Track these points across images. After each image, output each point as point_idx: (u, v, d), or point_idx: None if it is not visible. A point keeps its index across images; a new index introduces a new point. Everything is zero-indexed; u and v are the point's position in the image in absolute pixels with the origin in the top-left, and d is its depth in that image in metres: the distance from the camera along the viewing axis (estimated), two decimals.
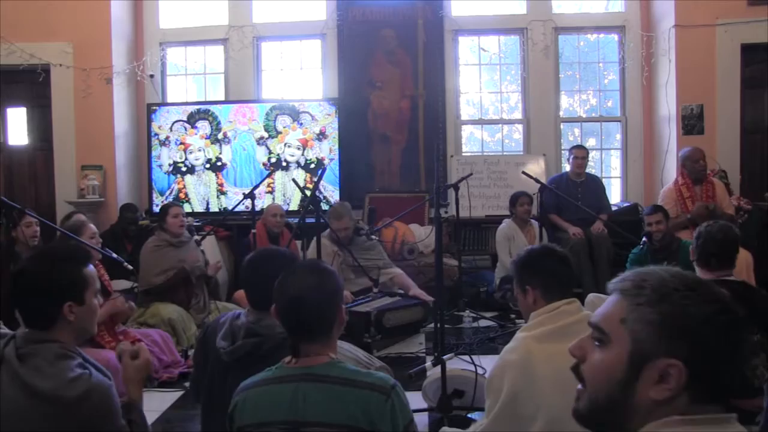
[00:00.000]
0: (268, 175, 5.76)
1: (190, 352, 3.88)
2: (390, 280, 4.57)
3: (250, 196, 4.34)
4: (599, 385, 0.88)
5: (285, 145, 6.01)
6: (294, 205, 5.91)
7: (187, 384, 3.51)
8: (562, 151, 6.31)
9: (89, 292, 1.61)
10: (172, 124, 6.06)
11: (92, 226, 3.49)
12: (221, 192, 6.04)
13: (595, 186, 5.50)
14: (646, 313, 0.84)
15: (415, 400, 2.89)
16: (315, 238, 3.69)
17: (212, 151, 6.05)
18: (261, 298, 1.84)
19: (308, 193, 4.24)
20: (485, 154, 6.54)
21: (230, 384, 1.85)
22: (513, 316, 4.75)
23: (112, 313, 3.43)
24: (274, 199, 5.92)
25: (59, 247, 1.70)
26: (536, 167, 5.94)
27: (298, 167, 6.02)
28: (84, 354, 1.59)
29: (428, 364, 2.68)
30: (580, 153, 5.42)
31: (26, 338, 1.55)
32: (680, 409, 0.83)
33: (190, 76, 6.77)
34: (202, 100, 6.58)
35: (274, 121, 6.02)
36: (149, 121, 6.08)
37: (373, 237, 4.52)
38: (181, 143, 6.05)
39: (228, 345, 1.89)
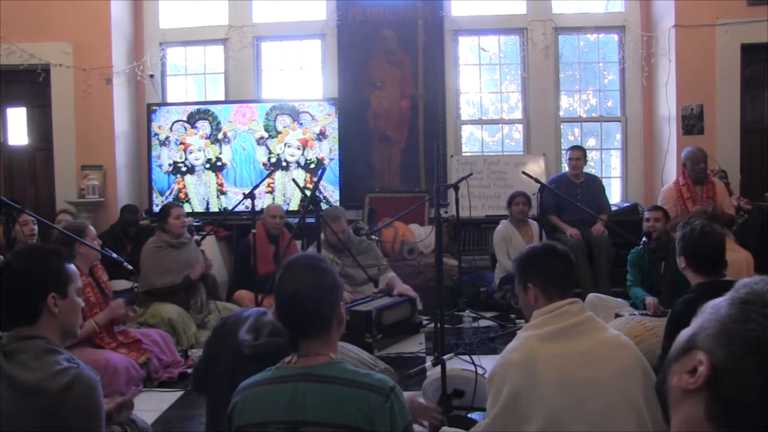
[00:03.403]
0: (268, 175, 5.75)
1: (190, 352, 3.88)
2: (386, 285, 4.57)
3: (250, 196, 4.34)
4: (668, 354, 0.89)
5: (285, 145, 6.01)
6: (294, 205, 5.91)
7: (188, 386, 3.52)
8: (562, 151, 6.30)
9: (72, 287, 1.64)
10: (172, 124, 6.06)
11: (92, 228, 3.49)
12: (221, 192, 6.04)
13: (595, 186, 5.49)
14: (721, 309, 0.81)
15: None
16: (316, 241, 3.69)
17: (212, 151, 6.05)
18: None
19: (308, 193, 4.24)
20: (485, 154, 6.54)
21: (244, 378, 1.86)
22: (513, 316, 4.76)
23: (111, 318, 3.43)
24: (274, 199, 5.92)
25: (43, 244, 1.75)
26: (536, 167, 5.94)
27: (298, 167, 6.02)
28: (72, 354, 1.60)
29: (428, 364, 2.67)
30: (575, 154, 5.41)
31: (12, 336, 1.56)
32: (700, 421, 0.80)
33: (190, 76, 6.77)
34: (202, 100, 6.58)
35: (274, 121, 6.02)
36: (149, 121, 6.08)
37: (374, 237, 4.52)
38: (181, 143, 6.05)
39: (252, 339, 1.91)
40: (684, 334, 0.86)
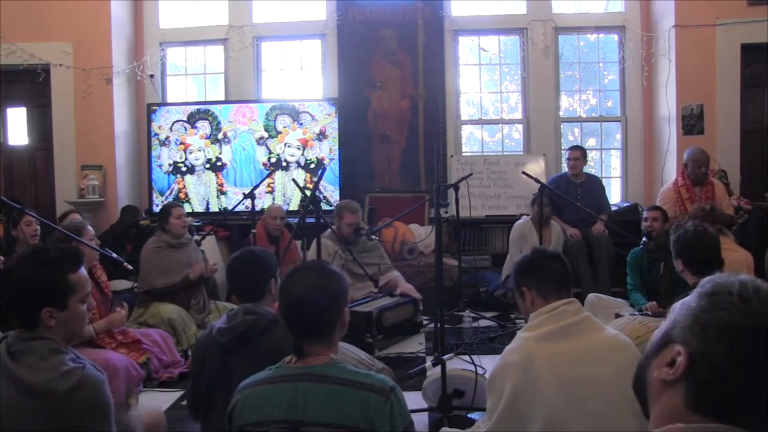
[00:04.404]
0: (268, 175, 5.76)
1: (190, 352, 3.88)
2: (387, 284, 4.57)
3: (250, 196, 4.34)
4: (644, 353, 0.93)
5: (285, 145, 6.01)
6: (294, 205, 5.91)
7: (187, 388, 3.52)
8: (562, 151, 6.30)
9: (74, 298, 1.59)
10: (172, 124, 6.06)
11: (90, 228, 3.49)
12: (221, 192, 6.04)
13: (595, 186, 5.50)
14: (692, 302, 0.86)
15: (415, 400, 2.90)
16: (315, 239, 3.69)
17: (212, 151, 6.05)
18: (248, 292, 2.12)
19: (308, 193, 4.24)
20: (485, 154, 6.54)
21: (232, 372, 1.89)
22: (513, 316, 4.76)
23: (112, 327, 3.42)
24: (274, 199, 5.92)
25: (50, 249, 1.67)
26: (536, 167, 5.94)
27: (298, 167, 6.02)
28: (77, 353, 1.59)
29: (428, 364, 2.67)
30: (573, 154, 5.41)
31: (18, 337, 1.55)
32: (678, 410, 0.83)
33: (190, 76, 6.77)
34: (202, 100, 6.58)
35: (274, 121, 6.02)
36: (149, 121, 6.08)
37: (374, 237, 4.52)
38: (181, 143, 6.05)
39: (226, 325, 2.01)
40: (658, 331, 0.91)
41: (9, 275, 1.58)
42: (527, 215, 5.11)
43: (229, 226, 5.60)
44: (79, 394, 1.47)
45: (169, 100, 6.55)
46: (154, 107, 6.11)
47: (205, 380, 2.05)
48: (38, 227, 4.03)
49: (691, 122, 5.73)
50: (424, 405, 2.94)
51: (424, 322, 4.46)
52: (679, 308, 0.89)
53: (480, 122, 6.68)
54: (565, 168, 5.78)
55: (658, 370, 0.86)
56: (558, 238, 4.95)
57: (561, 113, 6.53)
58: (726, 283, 0.85)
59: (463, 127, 6.59)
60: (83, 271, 1.64)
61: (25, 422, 1.45)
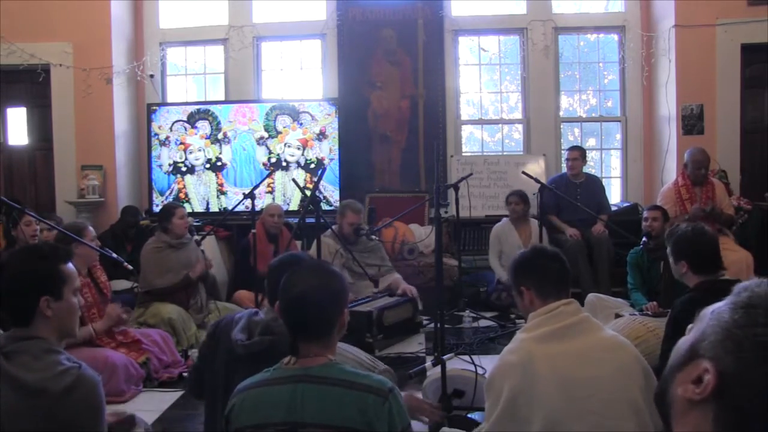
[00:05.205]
0: (268, 175, 5.76)
1: (190, 352, 3.88)
2: (388, 287, 4.56)
3: (250, 196, 4.34)
4: (668, 364, 0.85)
5: (285, 145, 6.01)
6: (294, 205, 5.92)
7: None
8: (562, 151, 6.30)
9: (67, 288, 1.62)
10: (172, 124, 6.06)
11: (91, 229, 3.49)
12: (221, 192, 6.04)
13: (595, 186, 5.50)
14: (724, 314, 0.77)
15: None
16: (316, 239, 3.69)
17: (212, 151, 6.05)
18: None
19: (308, 193, 4.24)
20: (485, 154, 6.54)
21: (240, 379, 1.87)
22: (513, 316, 4.76)
23: (111, 325, 3.42)
24: (274, 199, 5.92)
25: (41, 245, 1.71)
26: (536, 167, 5.94)
27: (298, 167, 6.02)
28: (69, 355, 1.60)
29: (428, 364, 2.67)
30: (572, 154, 5.43)
31: (10, 337, 1.56)
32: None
33: (190, 76, 6.77)
34: (202, 100, 6.58)
35: (274, 121, 6.02)
36: (149, 121, 6.08)
37: (374, 237, 4.52)
38: (181, 143, 6.05)
39: (245, 338, 1.92)
40: (684, 342, 0.82)
41: (3, 270, 1.59)
42: (507, 216, 5.18)
43: (229, 226, 5.60)
44: (75, 394, 1.47)
45: (169, 100, 6.55)
46: (154, 107, 6.11)
47: (212, 368, 2.04)
48: (38, 227, 4.04)
49: (691, 122, 5.73)
50: None
51: (424, 322, 4.46)
52: (709, 317, 0.79)
53: (480, 122, 6.68)
54: (565, 168, 5.78)
55: (683, 387, 0.78)
56: (535, 235, 4.95)
57: (561, 113, 6.53)
58: (766, 293, 0.75)
59: (463, 127, 6.59)
60: (71, 265, 1.68)
61: (22, 421, 1.45)
